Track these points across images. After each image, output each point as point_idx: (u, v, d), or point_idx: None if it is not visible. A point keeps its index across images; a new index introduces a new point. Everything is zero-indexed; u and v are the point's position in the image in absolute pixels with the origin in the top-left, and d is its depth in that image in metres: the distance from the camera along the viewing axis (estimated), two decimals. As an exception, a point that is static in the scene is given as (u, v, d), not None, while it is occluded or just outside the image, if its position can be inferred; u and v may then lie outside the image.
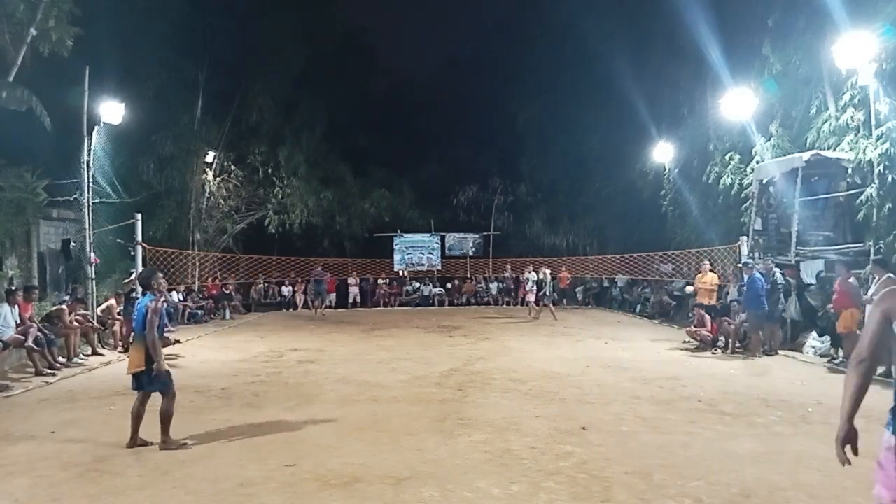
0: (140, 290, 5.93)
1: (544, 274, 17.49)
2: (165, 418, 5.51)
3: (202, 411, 6.94)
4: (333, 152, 25.53)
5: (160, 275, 6.03)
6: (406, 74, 33.30)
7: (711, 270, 12.81)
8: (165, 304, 14.81)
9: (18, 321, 9.40)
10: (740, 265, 12.11)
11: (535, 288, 17.50)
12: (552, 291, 17.86)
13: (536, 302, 17.56)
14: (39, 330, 9.59)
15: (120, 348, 11.62)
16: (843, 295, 9.16)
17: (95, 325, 11.55)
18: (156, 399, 5.61)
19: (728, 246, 14.02)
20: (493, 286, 24.34)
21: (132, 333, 11.54)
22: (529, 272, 17.92)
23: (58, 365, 9.67)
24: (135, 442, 5.53)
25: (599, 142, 23.08)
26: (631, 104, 19.26)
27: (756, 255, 12.79)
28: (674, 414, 6.59)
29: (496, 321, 17.45)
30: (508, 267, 18.98)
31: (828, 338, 10.52)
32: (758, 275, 10.68)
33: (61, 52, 12.90)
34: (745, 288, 11.06)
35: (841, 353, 9.61)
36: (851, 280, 9.32)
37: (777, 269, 11.63)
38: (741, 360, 10.36)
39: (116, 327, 12.07)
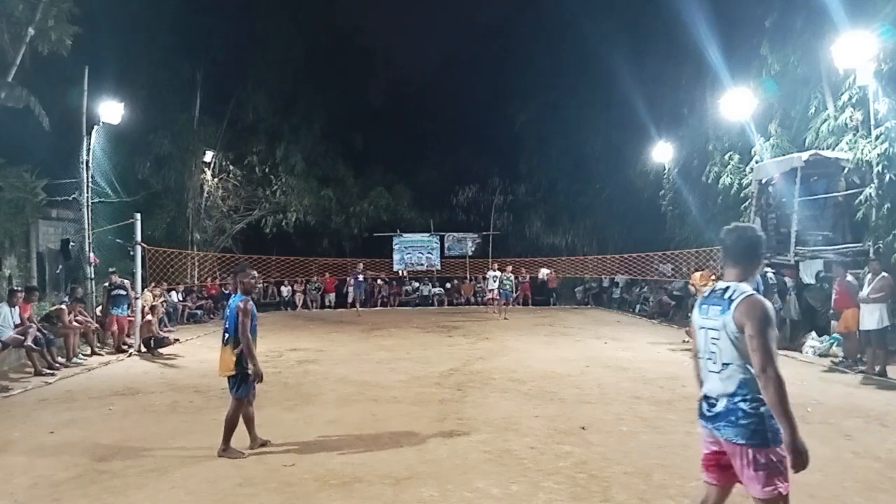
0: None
1: (499, 272, 18.70)
2: (228, 424, 5.24)
3: (202, 411, 6.94)
4: (332, 152, 25.55)
5: (253, 272, 5.54)
6: (405, 74, 33.41)
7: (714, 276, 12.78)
8: (165, 305, 14.84)
9: (17, 321, 9.39)
10: None
11: (500, 287, 18.45)
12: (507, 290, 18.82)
13: (492, 300, 18.74)
14: (39, 330, 9.58)
15: (103, 348, 11.60)
16: (844, 295, 9.16)
17: (94, 325, 11.54)
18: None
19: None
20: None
21: (121, 330, 11.70)
22: (493, 271, 18.95)
23: (57, 365, 9.67)
24: (255, 443, 5.36)
25: (599, 142, 23.10)
26: (630, 104, 19.29)
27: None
28: (674, 414, 6.59)
29: (489, 320, 17.46)
30: (509, 267, 19.18)
31: (826, 337, 10.54)
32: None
33: (60, 51, 12.89)
34: None
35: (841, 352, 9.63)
36: (850, 279, 9.33)
37: (769, 269, 11.63)
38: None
39: (115, 327, 12.07)
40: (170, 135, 19.87)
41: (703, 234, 16.62)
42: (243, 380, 5.25)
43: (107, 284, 12.18)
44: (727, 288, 2.73)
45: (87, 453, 5.34)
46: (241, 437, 5.37)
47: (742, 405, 2.62)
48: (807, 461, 2.51)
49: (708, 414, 2.76)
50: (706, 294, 2.89)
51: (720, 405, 2.70)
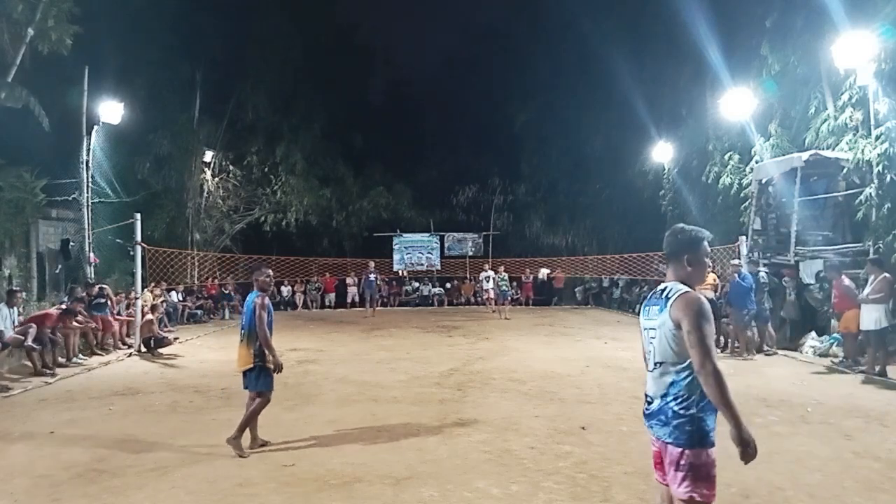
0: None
1: (494, 272, 18.93)
2: (249, 416, 5.34)
3: (202, 411, 6.95)
4: (332, 151, 25.56)
5: (268, 271, 5.77)
6: (405, 74, 33.46)
7: (711, 271, 12.80)
8: (165, 304, 14.86)
9: (17, 321, 9.42)
10: (734, 263, 12.09)
11: (495, 287, 18.60)
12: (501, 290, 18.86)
13: (494, 301, 18.83)
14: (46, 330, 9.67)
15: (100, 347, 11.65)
16: (843, 296, 9.16)
17: (94, 324, 11.55)
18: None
19: (727, 246, 14.02)
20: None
21: (108, 329, 11.74)
22: (486, 272, 19.26)
23: (51, 367, 9.52)
24: (255, 443, 5.41)
25: (599, 142, 23.11)
26: (630, 104, 19.29)
27: (755, 254, 12.78)
28: (673, 414, 6.58)
29: (489, 320, 17.47)
30: (502, 267, 19.24)
31: (826, 337, 10.53)
32: (746, 274, 10.67)
33: (60, 51, 12.90)
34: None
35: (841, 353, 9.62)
36: (847, 282, 9.33)
37: (763, 269, 11.63)
38: (740, 360, 10.35)
39: (116, 327, 12.09)
40: (170, 135, 19.87)
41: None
42: (262, 372, 5.37)
43: (84, 295, 12.23)
44: (665, 288, 2.73)
45: (87, 453, 5.34)
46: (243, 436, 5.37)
47: (672, 405, 2.60)
48: (754, 453, 2.47)
49: (646, 412, 2.77)
50: (648, 297, 2.87)
51: (654, 404, 2.69)
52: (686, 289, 2.65)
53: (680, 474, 2.56)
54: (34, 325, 9.55)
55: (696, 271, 2.75)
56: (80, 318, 11.11)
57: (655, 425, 2.68)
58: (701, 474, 2.53)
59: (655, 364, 2.69)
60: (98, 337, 11.65)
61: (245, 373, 5.41)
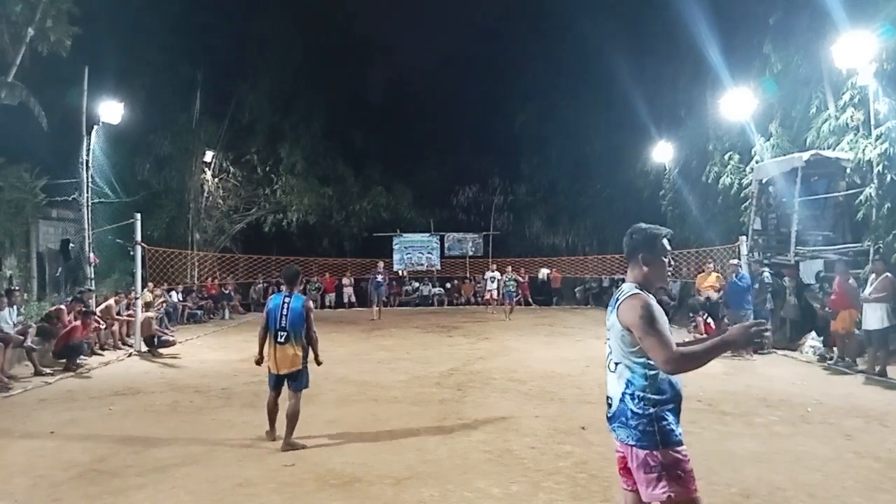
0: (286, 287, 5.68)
1: (498, 273, 19.20)
2: (295, 418, 5.41)
3: (202, 411, 6.95)
4: (332, 151, 25.52)
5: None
6: (405, 74, 33.41)
7: (714, 270, 12.82)
8: (165, 305, 14.84)
9: (15, 322, 9.43)
10: (732, 263, 12.08)
11: (499, 287, 18.77)
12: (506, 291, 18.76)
13: (497, 302, 18.98)
14: (70, 338, 9.81)
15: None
16: (842, 295, 9.16)
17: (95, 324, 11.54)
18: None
19: (727, 246, 14.01)
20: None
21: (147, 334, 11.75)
22: (491, 272, 19.49)
23: (86, 363, 9.88)
24: (271, 435, 5.58)
25: (599, 142, 23.10)
26: (630, 104, 19.25)
27: (756, 254, 12.78)
28: (673, 414, 6.57)
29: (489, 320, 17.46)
30: (510, 268, 19.20)
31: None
32: (744, 274, 10.63)
33: (60, 51, 12.89)
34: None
35: (836, 352, 9.60)
36: (851, 281, 9.32)
37: (766, 270, 11.60)
38: (739, 360, 10.34)
39: (115, 327, 12.08)
40: (170, 135, 19.86)
41: (704, 234, 16.62)
42: (307, 371, 5.54)
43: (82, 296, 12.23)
44: (619, 289, 2.69)
45: (87, 453, 5.34)
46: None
47: (631, 405, 2.55)
48: (752, 331, 2.45)
49: (608, 415, 2.71)
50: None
51: (614, 406, 2.64)
52: (633, 291, 2.57)
53: (653, 476, 2.47)
54: (33, 326, 9.59)
55: (653, 270, 2.65)
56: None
57: (618, 428, 2.61)
58: (674, 473, 2.46)
59: (615, 365, 2.66)
60: (99, 337, 11.66)
61: (287, 375, 5.43)
